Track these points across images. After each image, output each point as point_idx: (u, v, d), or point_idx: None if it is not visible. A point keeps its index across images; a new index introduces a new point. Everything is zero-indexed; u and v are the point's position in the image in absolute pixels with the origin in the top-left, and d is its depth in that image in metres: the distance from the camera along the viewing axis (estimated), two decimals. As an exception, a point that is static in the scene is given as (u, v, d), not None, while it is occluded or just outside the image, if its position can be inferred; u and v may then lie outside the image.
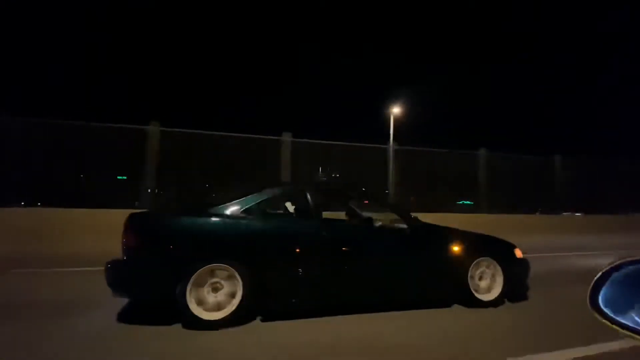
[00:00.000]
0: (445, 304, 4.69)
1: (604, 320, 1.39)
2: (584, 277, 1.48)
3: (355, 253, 4.35)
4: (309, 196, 4.43)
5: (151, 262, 3.83)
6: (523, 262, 5.03)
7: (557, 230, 12.96)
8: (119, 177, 10.37)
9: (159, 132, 9.79)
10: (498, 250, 4.99)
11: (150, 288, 3.83)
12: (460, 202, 14.42)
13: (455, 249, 4.71)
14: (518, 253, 5.01)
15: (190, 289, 3.74)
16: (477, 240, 5.06)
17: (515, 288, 5.03)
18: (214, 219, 4.10)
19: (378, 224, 4.73)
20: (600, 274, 1.42)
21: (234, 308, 3.85)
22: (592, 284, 1.83)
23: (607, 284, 1.42)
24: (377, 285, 4.44)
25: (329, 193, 4.86)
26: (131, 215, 4.00)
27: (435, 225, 4.95)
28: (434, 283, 4.65)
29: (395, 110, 22.75)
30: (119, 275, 3.80)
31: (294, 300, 4.13)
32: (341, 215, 5.33)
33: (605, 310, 1.39)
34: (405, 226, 4.64)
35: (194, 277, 3.76)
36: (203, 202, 5.14)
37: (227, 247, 3.99)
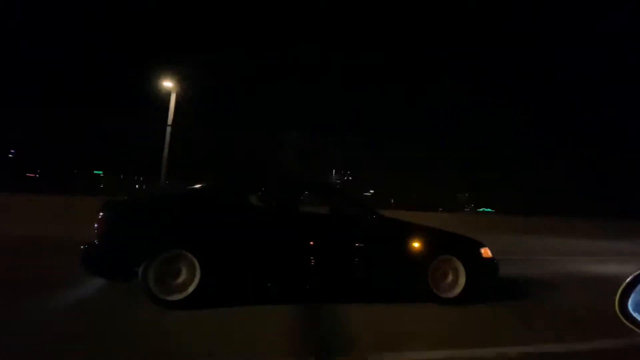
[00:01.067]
0: (406, 299, 4.74)
1: (632, 326, 1.40)
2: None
3: (308, 245, 4.54)
4: (270, 190, 4.67)
5: (118, 245, 4.30)
6: (490, 261, 4.92)
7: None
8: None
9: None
10: (462, 248, 4.94)
11: (116, 269, 4.34)
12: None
13: (416, 244, 4.75)
14: (485, 252, 4.91)
15: (152, 272, 4.16)
16: (441, 237, 5.05)
17: (481, 287, 4.95)
18: (175, 208, 4.54)
19: (338, 217, 4.83)
20: (629, 280, 1.43)
21: (191, 291, 4.22)
22: (620, 290, 1.85)
23: (638, 289, 1.42)
24: (329, 275, 4.60)
25: (292, 188, 5.03)
26: (104, 203, 4.50)
27: (399, 220, 5.00)
28: (391, 277, 4.72)
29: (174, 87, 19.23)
30: (90, 257, 4.33)
31: (246, 287, 4.46)
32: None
33: (635, 315, 1.40)
34: (363, 220, 4.74)
35: (155, 261, 4.18)
36: (168, 193, 5.46)
37: (186, 235, 4.37)
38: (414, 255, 4.72)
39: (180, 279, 4.23)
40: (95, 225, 4.31)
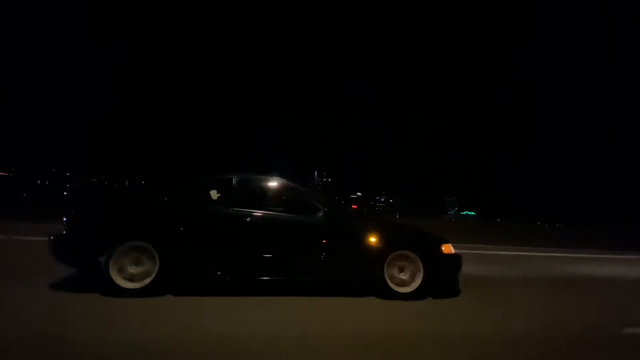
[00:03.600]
0: (359, 293, 4.83)
1: None
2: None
3: (257, 238, 4.71)
4: (231, 186, 4.87)
5: (82, 236, 4.54)
6: (451, 257, 5.03)
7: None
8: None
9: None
10: (421, 244, 5.05)
11: (81, 258, 4.55)
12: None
13: (372, 239, 4.84)
14: (446, 248, 5.02)
15: (113, 261, 4.38)
16: (398, 232, 5.17)
17: (441, 283, 5.09)
18: (137, 203, 4.84)
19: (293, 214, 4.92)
20: None
21: (150, 280, 4.44)
22: None
23: None
24: (279, 267, 4.72)
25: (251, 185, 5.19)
26: (77, 199, 4.80)
27: (355, 215, 5.12)
28: (342, 270, 4.82)
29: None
30: (57, 246, 4.53)
31: (200, 277, 4.63)
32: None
33: None
34: (315, 216, 4.83)
35: (116, 251, 4.40)
36: (131, 189, 5.75)
37: (146, 227, 4.59)
38: (369, 249, 4.80)
39: (140, 269, 4.44)
40: (64, 218, 4.58)
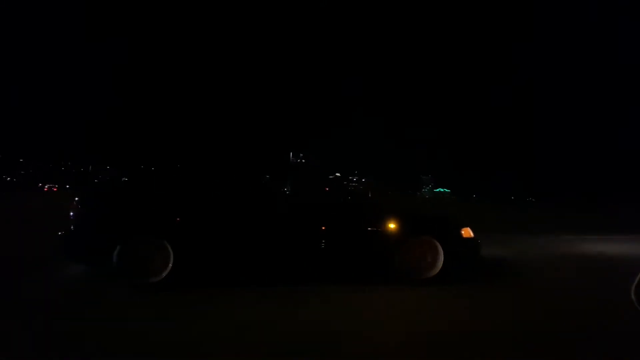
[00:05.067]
0: (381, 278, 4.68)
1: None
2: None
3: (273, 229, 4.57)
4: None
5: (92, 231, 4.31)
6: (470, 241, 4.91)
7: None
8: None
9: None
10: (440, 228, 4.93)
11: (93, 255, 4.30)
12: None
13: (392, 225, 4.69)
14: (466, 232, 4.90)
15: (126, 256, 4.15)
16: (418, 217, 5.03)
17: (460, 267, 4.94)
18: (150, 198, 4.59)
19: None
20: None
21: (165, 275, 4.22)
22: (638, 278, 1.78)
23: None
24: (299, 257, 4.57)
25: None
26: (81, 192, 4.62)
27: (373, 201, 4.98)
28: (361, 256, 4.68)
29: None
30: (67, 243, 4.33)
31: (216, 270, 4.51)
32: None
33: None
34: (336, 203, 4.69)
35: (128, 245, 4.18)
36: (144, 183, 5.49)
37: (159, 221, 4.36)
38: (389, 235, 4.65)
39: (154, 263, 4.22)
40: (71, 213, 4.33)
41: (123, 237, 4.16)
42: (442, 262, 4.67)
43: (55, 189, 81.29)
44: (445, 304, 4.15)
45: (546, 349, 3.00)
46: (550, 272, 5.75)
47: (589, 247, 8.01)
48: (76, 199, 4.45)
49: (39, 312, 3.52)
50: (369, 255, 4.69)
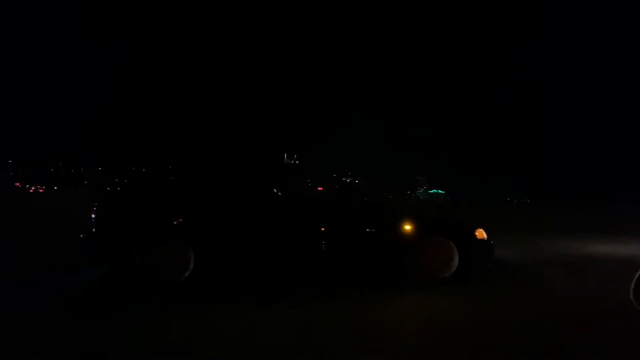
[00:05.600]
0: (394, 279, 4.78)
1: None
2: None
3: (294, 232, 4.64)
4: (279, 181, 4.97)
5: (113, 233, 4.35)
6: (484, 243, 5.00)
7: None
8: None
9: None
10: (455, 229, 5.00)
11: (113, 257, 4.36)
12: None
13: (407, 226, 4.77)
14: (480, 234, 4.99)
15: (147, 259, 4.21)
16: (432, 218, 5.16)
17: (474, 268, 5.03)
18: (169, 201, 4.63)
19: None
20: None
21: (185, 276, 4.30)
22: (636, 278, 1.80)
23: None
24: (313, 258, 4.65)
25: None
26: (103, 194, 4.71)
27: (388, 202, 5.06)
28: (377, 257, 4.77)
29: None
30: (88, 246, 4.38)
31: (239, 274, 4.63)
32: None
33: None
34: (352, 205, 4.76)
35: (150, 248, 4.23)
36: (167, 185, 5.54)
37: (180, 223, 4.41)
38: (404, 236, 4.74)
39: (175, 266, 4.27)
40: (92, 215, 4.37)
41: (144, 240, 4.22)
42: (457, 263, 4.77)
43: (41, 190, 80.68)
44: (462, 303, 4.20)
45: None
46: (564, 273, 5.83)
47: (595, 248, 8.12)
48: (96, 202, 4.49)
49: (61, 312, 3.61)
50: (385, 256, 4.76)
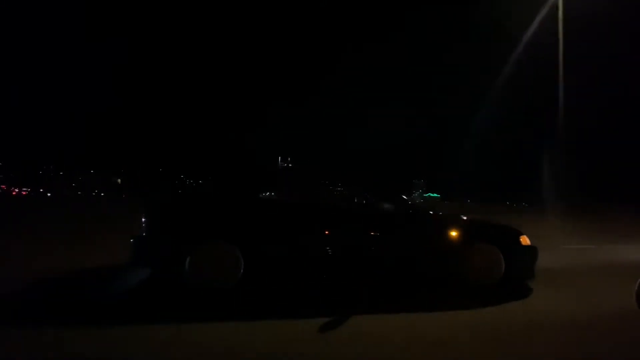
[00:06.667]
0: (445, 286, 4.71)
1: None
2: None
3: (355, 240, 4.60)
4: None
5: (163, 236, 4.30)
6: (529, 249, 4.95)
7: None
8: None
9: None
10: (499, 236, 4.95)
11: (162, 261, 4.29)
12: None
13: (454, 233, 4.73)
14: (524, 240, 4.94)
15: (197, 262, 4.13)
16: (476, 226, 5.07)
17: (519, 275, 4.93)
18: (217, 204, 4.58)
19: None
20: None
21: (235, 281, 4.21)
22: (638, 283, 1.72)
23: None
24: (357, 268, 4.60)
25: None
26: (150, 198, 4.88)
27: (430, 211, 5.02)
28: (425, 266, 4.73)
29: None
30: (139, 249, 4.26)
31: (289, 281, 4.59)
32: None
33: None
34: (396, 214, 4.77)
35: (200, 251, 4.16)
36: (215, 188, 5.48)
37: (229, 227, 4.33)
38: (448, 244, 4.70)
39: (225, 270, 4.20)
40: (142, 219, 4.33)
41: (194, 243, 4.16)
42: (503, 269, 4.71)
43: (24, 193, 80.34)
44: (512, 309, 4.16)
45: None
46: (600, 279, 5.81)
47: (617, 255, 8.10)
48: (146, 207, 4.45)
49: (106, 313, 3.64)
50: (434, 264, 4.73)
